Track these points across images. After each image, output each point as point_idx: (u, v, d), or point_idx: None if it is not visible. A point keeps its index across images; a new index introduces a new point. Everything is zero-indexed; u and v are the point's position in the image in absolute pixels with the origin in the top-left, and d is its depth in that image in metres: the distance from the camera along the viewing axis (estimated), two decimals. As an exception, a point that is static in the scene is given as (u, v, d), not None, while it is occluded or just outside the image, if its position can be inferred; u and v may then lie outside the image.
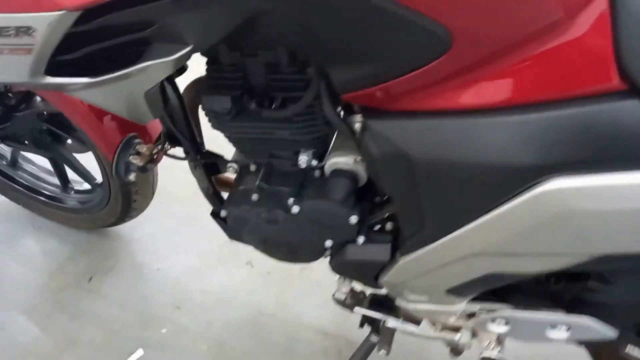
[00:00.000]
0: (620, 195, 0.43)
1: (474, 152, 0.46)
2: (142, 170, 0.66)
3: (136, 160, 0.65)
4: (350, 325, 0.86)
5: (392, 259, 0.63)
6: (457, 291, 0.61)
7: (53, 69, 0.43)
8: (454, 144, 0.47)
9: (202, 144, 0.73)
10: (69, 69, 0.45)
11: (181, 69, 0.64)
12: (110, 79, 0.45)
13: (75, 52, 0.43)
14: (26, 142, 0.94)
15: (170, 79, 0.62)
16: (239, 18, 0.44)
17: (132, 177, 0.67)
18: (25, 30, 0.39)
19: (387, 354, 0.76)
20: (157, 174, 0.95)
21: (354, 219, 0.59)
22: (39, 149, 0.96)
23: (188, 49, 0.44)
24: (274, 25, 0.45)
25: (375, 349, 0.78)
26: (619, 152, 0.42)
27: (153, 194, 0.98)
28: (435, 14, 0.39)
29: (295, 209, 0.61)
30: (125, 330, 0.93)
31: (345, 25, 0.42)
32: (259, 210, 0.63)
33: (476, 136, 0.45)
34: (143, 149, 0.66)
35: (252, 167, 0.66)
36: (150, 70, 0.45)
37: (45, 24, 0.38)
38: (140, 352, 0.88)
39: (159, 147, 0.67)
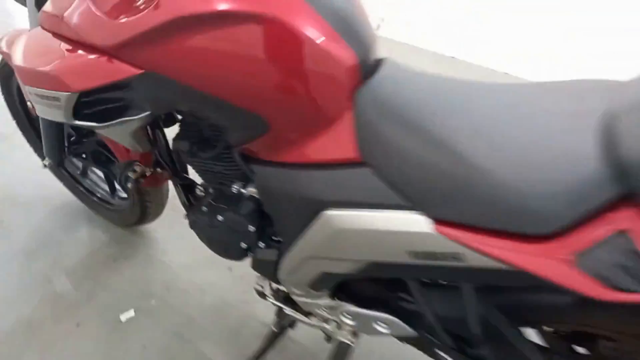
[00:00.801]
0: (365, 220, 0.71)
1: (294, 190, 0.76)
2: (136, 182, 1.04)
3: (131, 174, 1.03)
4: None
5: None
6: (313, 286, 0.89)
7: (79, 114, 0.82)
8: (286, 184, 0.78)
9: (185, 171, 1.09)
10: (89, 116, 0.83)
11: (172, 120, 1.02)
12: (106, 125, 0.83)
13: (90, 108, 0.81)
14: (89, 158, 1.38)
15: (157, 125, 1.00)
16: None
17: (129, 185, 1.04)
18: (56, 97, 0.78)
19: (279, 333, 1.04)
20: (168, 190, 1.33)
21: (251, 228, 0.90)
22: (97, 164, 1.38)
23: (147, 113, 0.81)
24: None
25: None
26: (356, 198, 0.70)
27: (164, 205, 1.36)
28: (253, 109, 0.71)
29: (221, 218, 0.94)
30: (127, 297, 1.29)
31: (212, 110, 0.75)
32: (204, 218, 0.97)
33: (293, 179, 0.76)
34: (138, 168, 1.04)
35: (210, 190, 1.00)
36: (127, 123, 0.82)
37: (64, 97, 0.76)
38: (131, 313, 1.24)
39: (150, 169, 1.05)
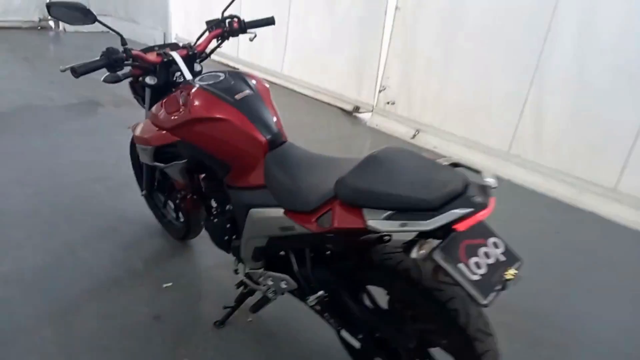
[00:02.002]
0: (264, 212, 1.51)
1: (240, 200, 1.59)
2: (182, 202, 1.95)
3: (179, 197, 1.94)
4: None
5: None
6: (254, 258, 1.67)
7: (155, 159, 1.77)
8: (238, 197, 1.61)
9: (207, 197, 1.97)
10: (159, 160, 1.77)
11: (201, 168, 1.93)
12: (166, 166, 1.77)
13: (160, 155, 1.76)
14: (165, 192, 2.32)
15: (193, 169, 1.90)
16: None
17: (181, 207, 1.96)
18: (146, 149, 1.74)
19: (243, 295, 1.81)
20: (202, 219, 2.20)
21: (228, 226, 1.74)
22: (168, 196, 2.31)
23: (184, 160, 1.73)
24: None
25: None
26: (262, 202, 1.51)
27: (201, 228, 2.22)
28: (219, 156, 1.58)
29: (216, 221, 1.80)
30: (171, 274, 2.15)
31: (206, 158, 1.64)
32: (210, 222, 1.84)
33: (240, 194, 1.60)
34: (182, 193, 1.94)
35: (214, 206, 1.87)
36: (175, 165, 1.75)
37: (150, 149, 1.72)
38: (170, 283, 2.09)
39: (189, 194, 1.94)
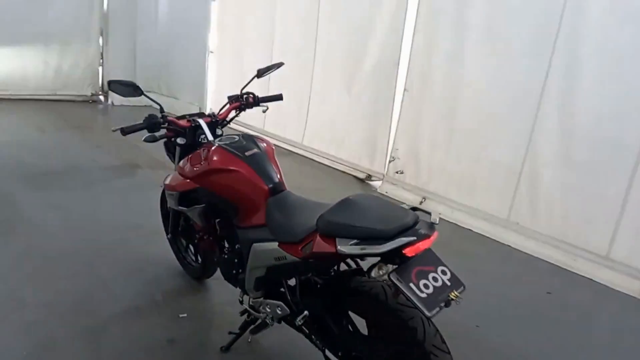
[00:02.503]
0: (263, 246, 1.85)
1: (246, 237, 1.94)
2: (199, 242, 2.31)
3: (197, 237, 2.30)
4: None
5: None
6: (256, 288, 1.98)
7: (180, 203, 2.16)
8: (244, 235, 1.96)
9: (222, 239, 2.32)
10: (182, 204, 2.17)
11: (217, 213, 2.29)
12: (188, 209, 2.16)
13: (183, 200, 2.15)
14: (186, 236, 2.69)
15: (210, 212, 2.26)
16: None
17: (199, 246, 2.32)
18: (173, 194, 2.14)
19: (248, 322, 2.09)
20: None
21: (237, 261, 2.08)
22: (189, 239, 2.68)
23: (203, 205, 2.12)
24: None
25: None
26: (262, 238, 1.85)
27: (215, 269, 2.55)
28: (230, 199, 1.96)
29: (226, 257, 2.15)
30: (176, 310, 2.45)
31: (220, 202, 2.02)
32: (222, 259, 2.19)
33: (246, 233, 1.95)
34: (200, 234, 2.30)
35: (226, 245, 2.22)
36: (195, 209, 2.13)
37: (175, 194, 2.12)
38: (184, 314, 2.39)
39: (206, 235, 2.30)
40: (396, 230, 1.48)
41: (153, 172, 4.41)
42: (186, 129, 2.18)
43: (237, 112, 2.42)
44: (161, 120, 2.05)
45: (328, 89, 5.43)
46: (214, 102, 6.96)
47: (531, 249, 3.76)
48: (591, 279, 3.38)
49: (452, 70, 4.24)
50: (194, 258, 2.71)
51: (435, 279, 1.52)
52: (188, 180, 2.07)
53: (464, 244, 3.84)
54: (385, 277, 1.50)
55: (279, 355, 2.18)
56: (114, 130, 1.98)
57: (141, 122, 2.02)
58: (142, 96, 2.11)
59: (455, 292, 1.51)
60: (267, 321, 2.00)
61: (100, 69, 7.27)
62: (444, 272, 1.55)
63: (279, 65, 2.52)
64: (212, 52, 6.72)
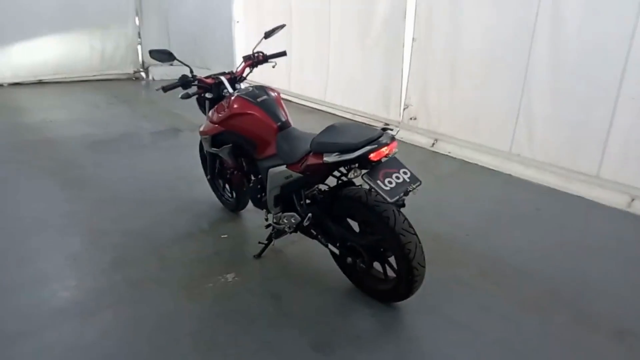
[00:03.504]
0: (277, 169, 2.42)
1: (264, 166, 2.52)
2: (231, 177, 2.92)
3: (229, 173, 2.93)
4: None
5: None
6: (275, 205, 2.57)
7: (213, 145, 2.76)
8: (262, 164, 2.54)
9: (248, 173, 2.92)
10: (215, 146, 2.77)
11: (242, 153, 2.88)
12: (220, 149, 2.76)
13: (215, 142, 2.75)
14: (222, 176, 3.31)
15: (238, 151, 2.83)
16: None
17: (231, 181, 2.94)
18: (207, 139, 2.75)
19: (273, 234, 2.70)
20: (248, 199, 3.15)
21: (260, 187, 2.68)
22: (224, 179, 3.30)
23: (230, 144, 2.71)
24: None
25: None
26: (275, 163, 2.42)
27: (247, 202, 3.16)
28: (249, 137, 2.54)
29: (252, 185, 2.75)
30: (219, 233, 3.09)
31: (242, 140, 2.60)
32: (249, 187, 2.79)
33: (264, 162, 2.52)
34: (231, 169, 2.91)
35: (252, 177, 2.82)
36: (225, 148, 2.73)
37: (208, 138, 2.73)
38: (225, 235, 3.03)
39: (236, 171, 2.90)
40: (364, 143, 2.01)
41: (192, 133, 5.05)
42: (211, 85, 2.75)
43: (251, 69, 2.96)
44: (191, 78, 2.63)
45: (344, 46, 5.87)
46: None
47: (530, 175, 4.19)
48: (582, 197, 3.80)
49: (454, 19, 4.60)
50: (229, 194, 3.33)
51: (397, 177, 2.05)
52: (216, 125, 2.65)
53: (469, 175, 4.31)
54: (359, 177, 2.06)
55: (296, 260, 2.79)
56: (157, 90, 2.57)
57: (177, 80, 2.60)
58: (176, 62, 2.68)
59: (413, 186, 2.05)
60: (286, 230, 2.60)
61: (139, 47, 7.95)
62: (405, 173, 2.08)
63: (282, 26, 3.03)
64: (238, 22, 7.23)
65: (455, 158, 4.70)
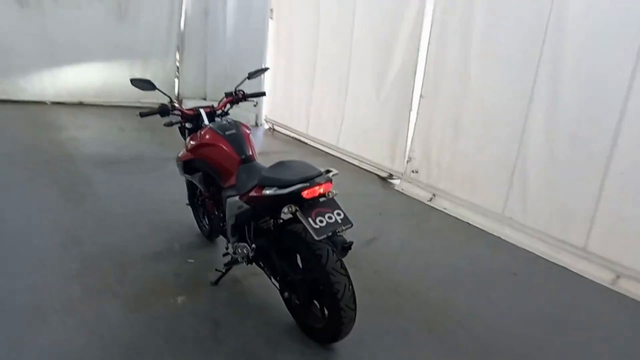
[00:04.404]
0: (232, 199, 2.54)
1: (225, 194, 2.65)
2: (203, 204, 3.05)
3: (201, 201, 3.06)
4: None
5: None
6: (232, 234, 2.66)
7: (185, 172, 2.93)
8: (224, 193, 2.67)
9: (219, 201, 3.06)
10: (187, 172, 2.93)
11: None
12: (191, 176, 2.93)
13: (186, 169, 2.92)
14: (201, 204, 3.46)
15: (209, 179, 2.99)
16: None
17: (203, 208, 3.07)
18: (180, 165, 2.92)
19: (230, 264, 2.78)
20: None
21: (221, 215, 2.80)
22: (202, 208, 3.44)
23: (200, 172, 2.87)
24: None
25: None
26: (232, 193, 2.55)
27: (219, 231, 3.28)
28: (215, 166, 2.69)
29: (216, 213, 2.88)
30: (186, 256, 3.21)
31: (209, 168, 2.75)
32: (216, 217, 2.92)
33: (226, 191, 2.65)
34: (205, 196, 3.05)
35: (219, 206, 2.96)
36: (197, 175, 2.90)
37: (180, 164, 2.90)
38: (192, 260, 3.14)
39: (208, 199, 3.05)
40: (298, 180, 2.11)
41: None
42: (192, 116, 2.95)
43: (231, 105, 3.15)
44: (170, 107, 2.84)
45: (360, 98, 6.07)
46: (267, 110, 7.87)
47: (519, 240, 4.12)
48: (567, 268, 3.70)
49: (459, 79, 4.71)
50: (206, 222, 3.47)
51: (330, 218, 2.13)
52: (188, 152, 2.83)
53: (457, 233, 4.28)
54: (292, 213, 2.15)
55: (251, 291, 2.86)
56: (137, 115, 2.79)
57: (155, 108, 2.81)
58: (156, 90, 2.89)
59: (342, 227, 2.12)
60: (239, 259, 2.68)
61: (176, 80, 8.45)
62: (339, 214, 2.16)
63: (265, 69, 3.24)
64: (267, 68, 7.61)
65: (449, 215, 4.68)
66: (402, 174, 5.47)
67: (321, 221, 2.10)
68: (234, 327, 2.49)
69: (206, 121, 2.91)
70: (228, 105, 3.16)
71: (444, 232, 4.30)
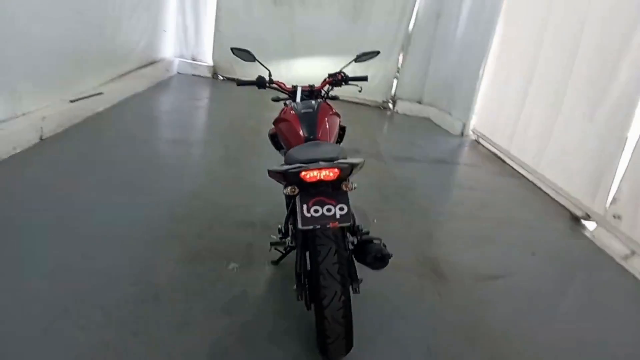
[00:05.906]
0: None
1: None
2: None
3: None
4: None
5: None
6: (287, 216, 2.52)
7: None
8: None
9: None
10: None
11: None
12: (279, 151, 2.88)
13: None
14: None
15: None
16: None
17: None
18: (269, 135, 2.89)
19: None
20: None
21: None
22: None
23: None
24: None
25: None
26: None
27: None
28: (285, 138, 2.56)
29: None
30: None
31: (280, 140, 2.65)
32: None
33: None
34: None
35: None
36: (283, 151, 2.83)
37: (270, 135, 2.86)
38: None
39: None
40: (304, 161, 1.84)
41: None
42: (288, 91, 2.88)
43: (331, 86, 2.94)
44: (267, 81, 2.82)
45: (572, 113, 4.97)
46: (476, 121, 7.19)
47: None
48: None
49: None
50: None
51: (329, 210, 1.80)
52: (273, 126, 2.79)
53: None
54: (292, 195, 1.89)
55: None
56: (225, 79, 2.88)
57: (254, 79, 2.83)
58: (256, 62, 2.82)
59: (336, 223, 1.76)
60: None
61: (394, 81, 8.49)
62: (341, 209, 1.80)
63: (377, 52, 2.92)
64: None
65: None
66: (600, 217, 4.26)
67: (316, 211, 1.79)
68: (244, 318, 2.36)
69: (297, 98, 2.80)
70: (328, 87, 2.98)
71: (623, 304, 3.16)
